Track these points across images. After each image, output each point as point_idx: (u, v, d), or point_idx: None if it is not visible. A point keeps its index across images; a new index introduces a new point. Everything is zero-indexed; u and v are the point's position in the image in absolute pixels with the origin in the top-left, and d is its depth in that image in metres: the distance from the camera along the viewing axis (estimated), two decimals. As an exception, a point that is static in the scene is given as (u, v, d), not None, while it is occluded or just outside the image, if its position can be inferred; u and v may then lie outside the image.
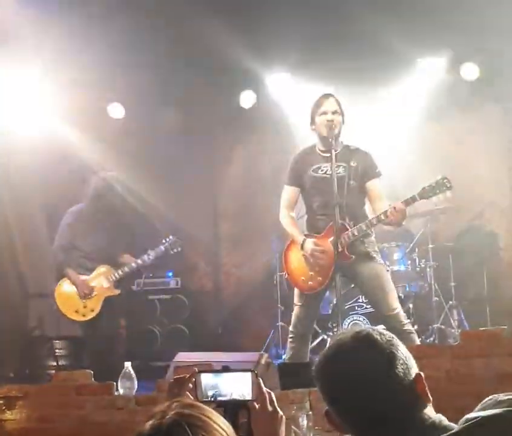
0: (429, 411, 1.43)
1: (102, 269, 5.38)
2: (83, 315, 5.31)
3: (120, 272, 5.39)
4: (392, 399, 1.40)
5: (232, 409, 1.76)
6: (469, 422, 1.30)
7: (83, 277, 5.33)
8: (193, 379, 1.83)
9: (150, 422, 1.26)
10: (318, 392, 1.52)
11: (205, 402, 1.75)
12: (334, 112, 4.26)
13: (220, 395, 1.78)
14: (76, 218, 5.50)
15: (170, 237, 5.61)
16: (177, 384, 1.87)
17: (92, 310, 5.30)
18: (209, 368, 3.55)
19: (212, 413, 1.31)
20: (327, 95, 4.36)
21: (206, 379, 1.80)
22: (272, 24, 5.68)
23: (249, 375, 1.76)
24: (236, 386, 1.77)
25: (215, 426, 1.27)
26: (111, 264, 5.44)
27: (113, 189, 5.54)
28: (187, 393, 1.85)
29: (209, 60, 6.32)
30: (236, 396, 1.76)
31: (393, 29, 5.53)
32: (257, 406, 1.73)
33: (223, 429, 1.28)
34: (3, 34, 5.40)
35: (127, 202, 6.61)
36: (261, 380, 1.75)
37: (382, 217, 4.06)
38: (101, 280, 5.35)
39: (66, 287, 5.36)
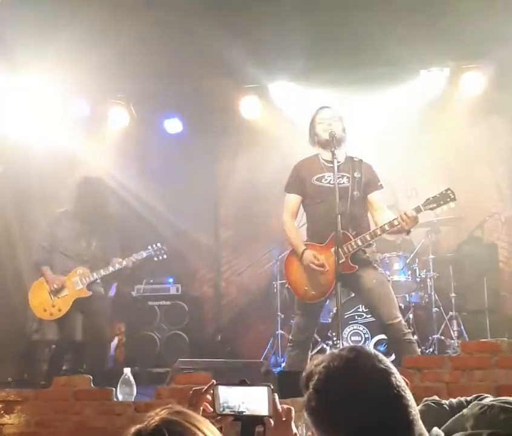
0: (419, 420, 1.42)
1: (79, 270, 5.32)
2: (51, 314, 5.28)
3: (94, 275, 5.32)
4: (387, 404, 1.40)
5: (249, 424, 1.77)
6: None
7: (57, 275, 5.30)
8: (212, 391, 1.84)
9: (135, 427, 1.29)
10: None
11: (223, 415, 1.77)
12: (331, 118, 4.33)
13: (235, 408, 1.80)
14: (57, 220, 5.47)
15: (158, 244, 5.60)
16: (196, 395, 1.88)
17: (60, 310, 5.25)
18: (207, 377, 3.56)
19: (200, 421, 1.33)
20: (323, 107, 4.47)
21: (223, 391, 1.82)
22: (275, 32, 5.69)
23: (265, 389, 1.77)
24: (253, 399, 1.78)
25: (198, 433, 1.28)
26: (100, 268, 5.38)
27: (97, 192, 5.49)
28: (206, 404, 1.86)
29: (212, 68, 6.32)
30: (252, 409, 1.77)
31: (396, 39, 5.54)
32: (272, 422, 1.74)
33: None
34: (5, 40, 5.41)
35: (121, 206, 6.62)
36: (276, 396, 1.75)
37: (387, 227, 4.08)
38: (75, 280, 5.29)
39: (39, 286, 5.34)
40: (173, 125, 7.39)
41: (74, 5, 5.10)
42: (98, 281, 5.41)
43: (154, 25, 5.47)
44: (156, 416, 1.30)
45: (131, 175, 7.13)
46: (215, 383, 1.85)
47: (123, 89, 6.82)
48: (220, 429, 1.84)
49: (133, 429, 1.30)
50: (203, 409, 1.87)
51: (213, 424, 1.80)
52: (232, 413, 1.80)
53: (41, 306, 5.30)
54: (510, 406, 1.39)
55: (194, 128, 7.46)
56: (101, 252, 5.47)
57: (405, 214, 4.02)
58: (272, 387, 1.76)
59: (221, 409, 1.81)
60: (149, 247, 5.55)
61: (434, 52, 6.12)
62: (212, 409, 1.85)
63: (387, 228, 4.07)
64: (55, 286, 5.23)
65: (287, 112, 6.94)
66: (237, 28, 5.55)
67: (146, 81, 6.45)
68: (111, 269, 5.34)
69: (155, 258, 5.59)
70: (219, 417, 1.82)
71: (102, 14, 5.18)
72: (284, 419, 1.72)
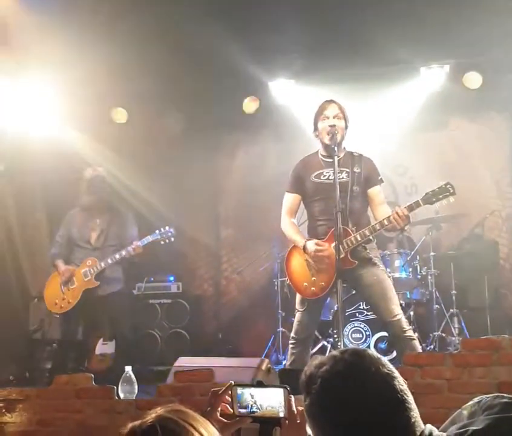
0: (419, 421, 1.42)
1: (89, 261, 5.35)
2: (61, 307, 5.33)
3: (102, 265, 5.33)
4: (391, 408, 1.39)
5: (267, 425, 1.80)
6: None
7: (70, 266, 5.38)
8: (230, 392, 1.86)
9: (131, 424, 1.29)
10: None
11: (242, 417, 1.81)
12: (335, 117, 4.26)
13: (249, 408, 1.82)
14: (73, 215, 5.57)
15: (167, 227, 5.51)
16: (214, 396, 1.90)
17: (69, 302, 5.29)
18: (209, 374, 3.56)
19: (197, 420, 1.33)
20: (329, 101, 4.35)
21: (239, 392, 1.85)
22: (276, 30, 5.69)
23: (281, 391, 1.79)
24: (269, 400, 1.80)
25: (193, 432, 1.29)
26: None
27: (106, 184, 5.59)
28: (226, 405, 1.88)
29: (213, 66, 6.33)
30: (266, 410, 1.80)
31: (397, 37, 5.55)
32: (287, 423, 1.76)
33: None
34: (6, 38, 5.42)
35: (120, 203, 6.64)
36: (292, 397, 1.77)
37: (386, 222, 4.07)
38: (84, 271, 5.33)
39: (53, 280, 5.41)
40: (172, 123, 7.39)
41: (76, 4, 5.10)
42: (118, 281, 5.43)
43: (154, 23, 5.47)
44: (153, 413, 1.31)
45: (130, 173, 7.13)
46: (233, 383, 1.86)
47: (122, 87, 6.81)
48: (239, 430, 1.87)
49: (129, 426, 1.30)
50: (222, 409, 1.88)
51: (232, 425, 1.83)
52: (247, 413, 1.82)
53: (52, 299, 5.36)
54: (505, 395, 1.40)
55: (194, 126, 7.46)
56: (116, 240, 5.48)
57: (396, 212, 4.01)
58: (289, 388, 1.78)
59: (240, 410, 1.83)
60: (157, 231, 5.47)
61: (434, 49, 6.12)
62: (231, 410, 1.86)
63: (386, 223, 4.06)
64: (66, 275, 5.30)
65: (287, 110, 6.94)
66: (237, 26, 5.55)
67: (145, 79, 6.45)
68: (117, 256, 5.33)
69: (162, 242, 5.48)
70: (238, 418, 1.84)
71: (103, 12, 5.18)
72: (298, 421, 1.73)
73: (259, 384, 1.85)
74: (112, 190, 5.65)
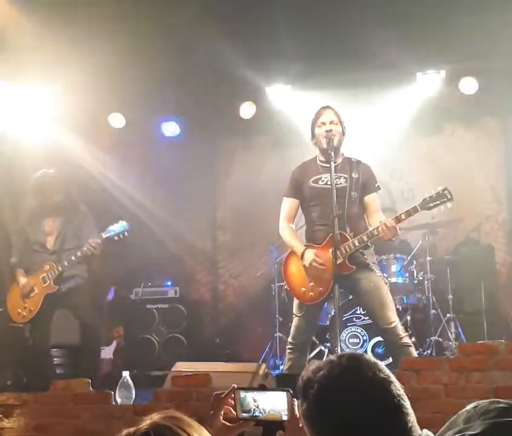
0: (416, 426, 1.42)
1: (47, 266, 5.26)
2: (23, 317, 5.27)
3: (59, 268, 5.23)
4: (388, 413, 1.40)
5: (270, 429, 1.80)
6: None
7: (31, 274, 5.30)
8: (233, 395, 1.87)
9: (125, 431, 1.30)
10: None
11: (245, 420, 1.81)
12: (331, 122, 4.27)
13: (252, 412, 1.83)
14: (28, 217, 5.46)
15: (119, 222, 5.29)
16: (217, 399, 1.90)
17: (31, 311, 5.23)
18: (206, 379, 3.56)
19: (193, 427, 1.33)
20: (325, 107, 4.37)
21: (242, 395, 1.85)
22: (272, 36, 5.71)
23: (284, 394, 1.79)
24: (271, 404, 1.81)
25: None
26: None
27: (57, 184, 5.40)
28: (229, 408, 1.88)
29: (210, 71, 6.34)
30: (269, 414, 1.81)
31: (393, 43, 5.56)
32: (290, 427, 1.76)
33: None
34: (3, 41, 5.42)
35: (118, 208, 6.59)
36: (295, 401, 1.77)
37: (375, 232, 4.07)
38: (43, 277, 5.24)
39: (14, 289, 5.34)
40: (171, 128, 7.41)
41: (74, 9, 5.11)
42: (79, 277, 5.36)
43: (153, 31, 5.48)
44: (148, 420, 1.31)
45: (128, 178, 7.14)
46: (235, 387, 1.87)
47: (121, 92, 6.83)
48: (242, 434, 1.88)
49: (123, 433, 1.30)
50: (226, 412, 1.88)
51: (235, 428, 1.83)
52: (250, 417, 1.83)
53: (15, 309, 5.29)
54: (501, 400, 1.41)
55: (191, 131, 7.47)
56: (75, 242, 5.35)
57: (384, 224, 4.01)
58: (291, 392, 1.78)
59: (242, 413, 1.84)
60: (110, 226, 5.28)
61: (430, 55, 6.14)
62: (235, 413, 1.87)
63: (375, 233, 4.07)
64: (24, 291, 5.24)
65: (284, 115, 6.96)
66: (234, 32, 5.57)
67: (143, 84, 6.46)
68: (72, 258, 5.22)
69: (116, 238, 5.26)
70: (241, 421, 1.85)
71: (102, 18, 5.19)
72: (301, 425, 1.73)
73: (262, 388, 1.86)
74: (64, 190, 5.44)
